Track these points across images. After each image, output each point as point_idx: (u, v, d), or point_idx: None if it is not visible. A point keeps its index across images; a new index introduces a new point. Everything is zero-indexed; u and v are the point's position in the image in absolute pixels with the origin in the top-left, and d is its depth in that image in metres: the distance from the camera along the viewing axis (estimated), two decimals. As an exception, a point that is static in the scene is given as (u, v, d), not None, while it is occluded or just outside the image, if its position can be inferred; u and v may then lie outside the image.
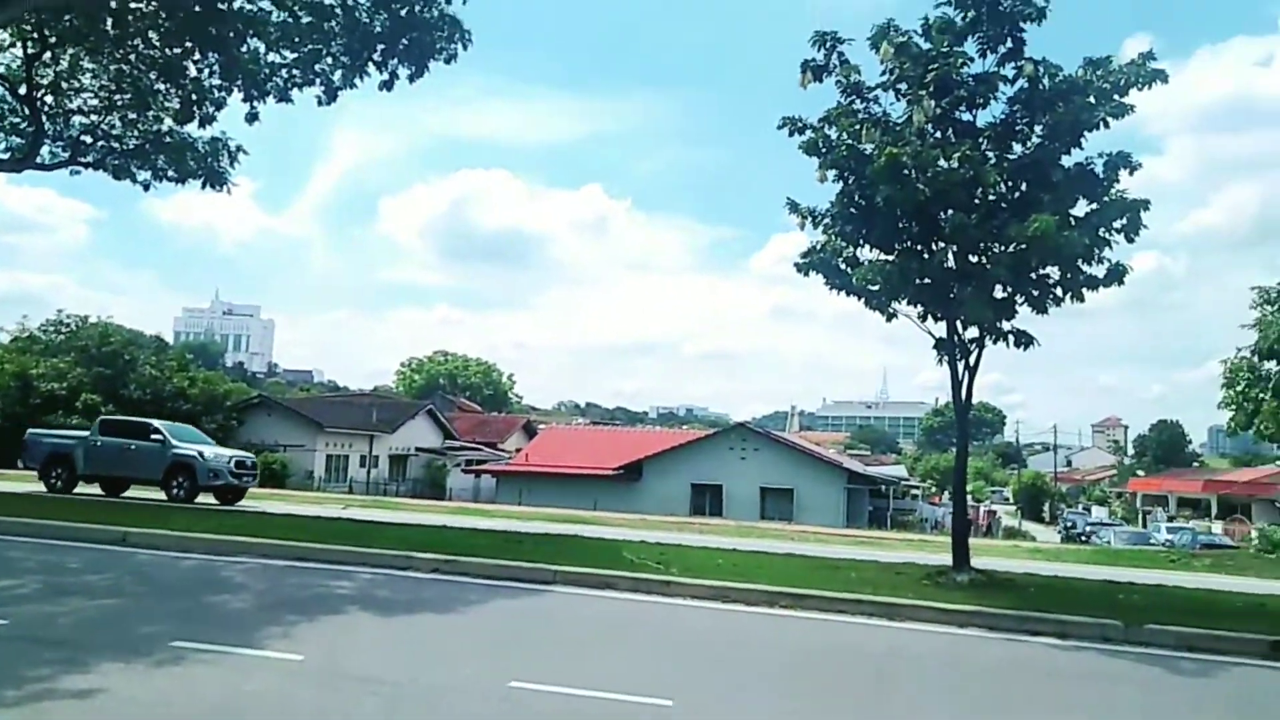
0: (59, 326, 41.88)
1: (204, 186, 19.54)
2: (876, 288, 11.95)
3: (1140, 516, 61.77)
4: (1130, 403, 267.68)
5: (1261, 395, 25.77)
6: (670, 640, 8.34)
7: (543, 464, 41.79)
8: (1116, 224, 11.35)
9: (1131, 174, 11.54)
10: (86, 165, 19.57)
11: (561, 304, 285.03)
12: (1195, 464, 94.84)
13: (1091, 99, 11.09)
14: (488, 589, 10.15)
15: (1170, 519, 52.06)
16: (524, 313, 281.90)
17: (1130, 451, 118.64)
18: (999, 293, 11.74)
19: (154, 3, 16.61)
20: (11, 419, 35.75)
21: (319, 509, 20.23)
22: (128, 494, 20.04)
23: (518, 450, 51.02)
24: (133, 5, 16.80)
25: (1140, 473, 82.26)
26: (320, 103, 17.51)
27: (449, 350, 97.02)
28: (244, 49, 17.33)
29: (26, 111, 18.39)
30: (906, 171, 10.91)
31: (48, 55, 18.22)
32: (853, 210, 12.04)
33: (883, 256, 12.17)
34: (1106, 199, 11.45)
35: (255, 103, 17.59)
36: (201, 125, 18.51)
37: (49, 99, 18.92)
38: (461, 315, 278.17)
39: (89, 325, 41.36)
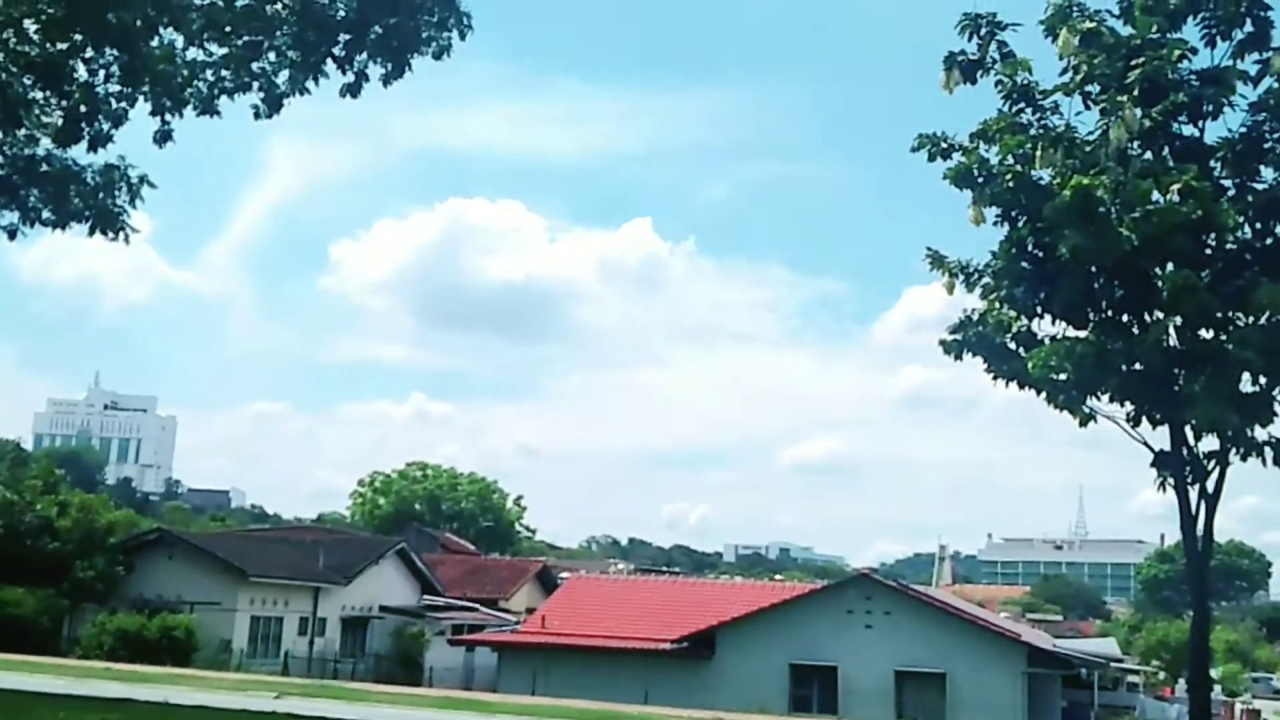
0: (-124, 429, 43.40)
1: (92, 232, 20.25)
2: (1063, 377, 12.09)
3: None
4: None
5: None
6: None
7: (568, 633, 41.61)
8: None
9: None
10: (-71, 204, 20.52)
11: (591, 393, 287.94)
12: None
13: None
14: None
15: None
16: (537, 405, 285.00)
17: None
18: (1247, 385, 11.78)
19: (33, -17, 17.66)
20: None
21: (243, 698, 20.46)
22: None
23: (529, 610, 50.93)
24: (4, -14, 17.94)
25: None
26: (258, 115, 18.32)
27: (428, 461, 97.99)
28: (155, 44, 18.36)
29: None
30: (1103, 210, 11.13)
31: (-116, 56, 19.34)
32: (1025, 265, 12.29)
33: (1071, 332, 12.35)
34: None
35: (168, 116, 18.49)
36: (92, 148, 19.32)
37: (-119, 115, 20.01)
38: (446, 409, 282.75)
39: (-82, 427, 42.78)
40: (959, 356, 13.00)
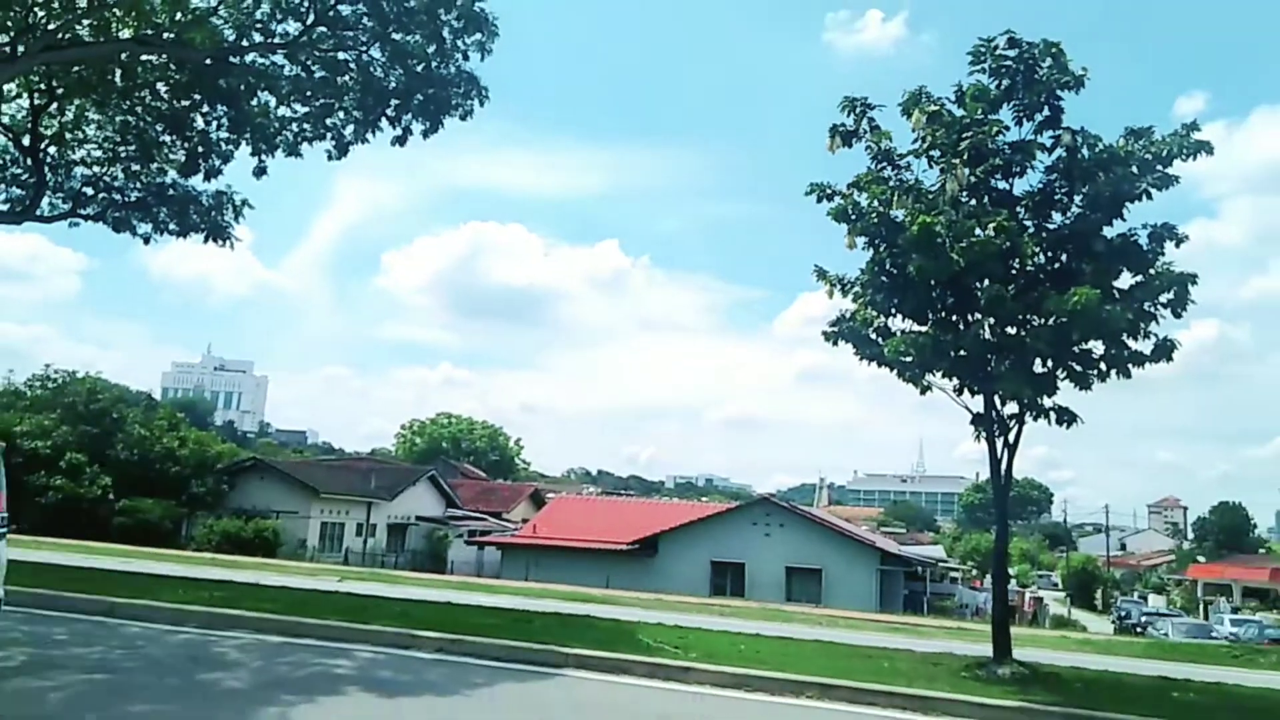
0: (45, 382, 42.54)
1: (206, 240, 20.03)
2: (909, 359, 12.16)
3: (1201, 607, 60.63)
4: (1191, 481, 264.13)
5: (1329, 478, 25.51)
6: (688, 733, 8.42)
7: (552, 536, 41.71)
8: (1163, 298, 11.61)
9: (1178, 246, 11.87)
10: (86, 217, 20.08)
11: (573, 365, 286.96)
12: (1262, 550, 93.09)
13: (1134, 170, 11.44)
14: (495, 671, 10.27)
15: (1234, 610, 51.09)
16: (533, 374, 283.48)
17: (1190, 535, 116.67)
18: (1039, 367, 11.93)
19: (164, 55, 17.32)
20: (-9, 479, 36.24)
21: (314, 581, 20.37)
22: (112, 561, 20.26)
23: (524, 520, 50.95)
24: (143, 58, 17.55)
25: (1201, 559, 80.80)
26: (330, 157, 18.12)
27: (452, 412, 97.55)
28: (254, 102, 18.06)
29: (29, 163, 18.98)
30: (940, 241, 11.18)
31: (53, 106, 18.87)
32: (884, 279, 12.34)
33: (915, 327, 12.43)
34: (1151, 271, 11.74)
35: (263, 157, 18.23)
36: (207, 178, 19.10)
37: (52, 150, 19.52)
38: (466, 375, 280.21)
39: (77, 380, 42.02)
40: (836, 344, 13.05)
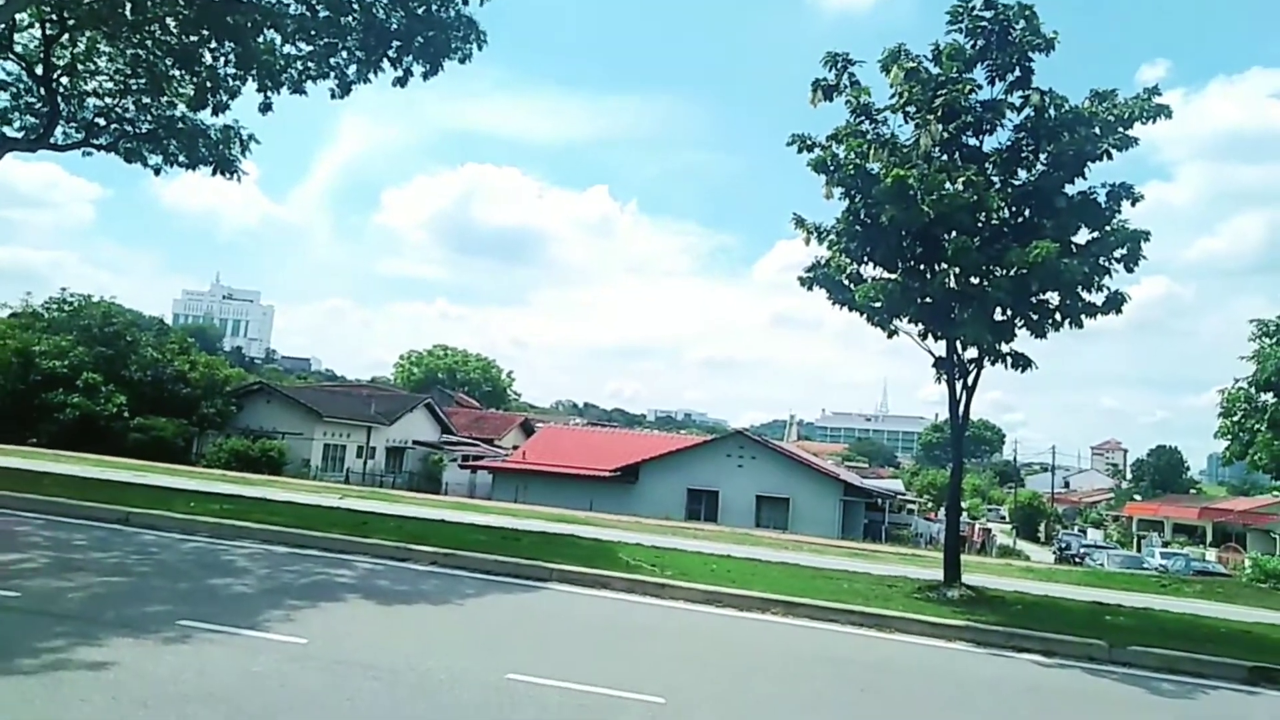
0: (61, 305, 42.01)
1: (214, 173, 19.78)
2: (878, 305, 12.19)
3: (1135, 541, 62.02)
4: (1131, 426, 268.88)
5: (1257, 426, 25.94)
6: (664, 641, 8.62)
7: (540, 462, 41.97)
8: (1117, 253, 11.65)
9: (1134, 205, 11.86)
10: (99, 147, 19.80)
11: (562, 303, 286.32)
12: (1192, 491, 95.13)
13: (1096, 130, 11.37)
14: (485, 583, 10.44)
15: (1165, 544, 52.28)
16: (524, 310, 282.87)
17: (1128, 475, 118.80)
18: (999, 315, 11.97)
19: (174, -11, 16.82)
20: (13, 396, 36.07)
21: (317, 498, 20.48)
22: (127, 474, 20.29)
23: (514, 448, 51.19)
24: (153, -9, 17.04)
25: (1137, 497, 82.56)
26: (334, 95, 17.74)
27: (448, 344, 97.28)
28: (260, 40, 17.61)
29: (42, 92, 18.62)
30: (912, 193, 11.13)
31: (65, 37, 18.43)
32: (858, 228, 12.30)
33: (886, 275, 12.43)
34: (1108, 228, 11.74)
35: (269, 93, 17.88)
36: (215, 113, 18.72)
37: (65, 80, 19.12)
38: (461, 310, 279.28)
39: (92, 304, 41.53)
40: (811, 289, 13.01)
